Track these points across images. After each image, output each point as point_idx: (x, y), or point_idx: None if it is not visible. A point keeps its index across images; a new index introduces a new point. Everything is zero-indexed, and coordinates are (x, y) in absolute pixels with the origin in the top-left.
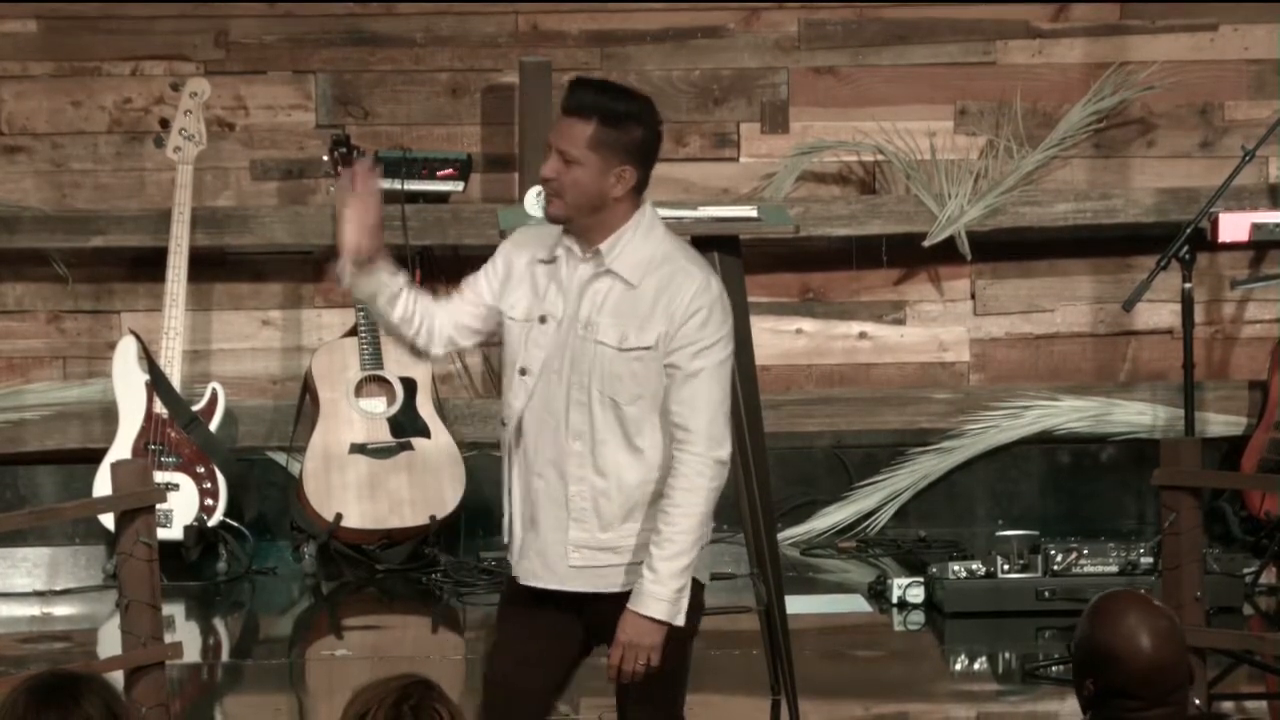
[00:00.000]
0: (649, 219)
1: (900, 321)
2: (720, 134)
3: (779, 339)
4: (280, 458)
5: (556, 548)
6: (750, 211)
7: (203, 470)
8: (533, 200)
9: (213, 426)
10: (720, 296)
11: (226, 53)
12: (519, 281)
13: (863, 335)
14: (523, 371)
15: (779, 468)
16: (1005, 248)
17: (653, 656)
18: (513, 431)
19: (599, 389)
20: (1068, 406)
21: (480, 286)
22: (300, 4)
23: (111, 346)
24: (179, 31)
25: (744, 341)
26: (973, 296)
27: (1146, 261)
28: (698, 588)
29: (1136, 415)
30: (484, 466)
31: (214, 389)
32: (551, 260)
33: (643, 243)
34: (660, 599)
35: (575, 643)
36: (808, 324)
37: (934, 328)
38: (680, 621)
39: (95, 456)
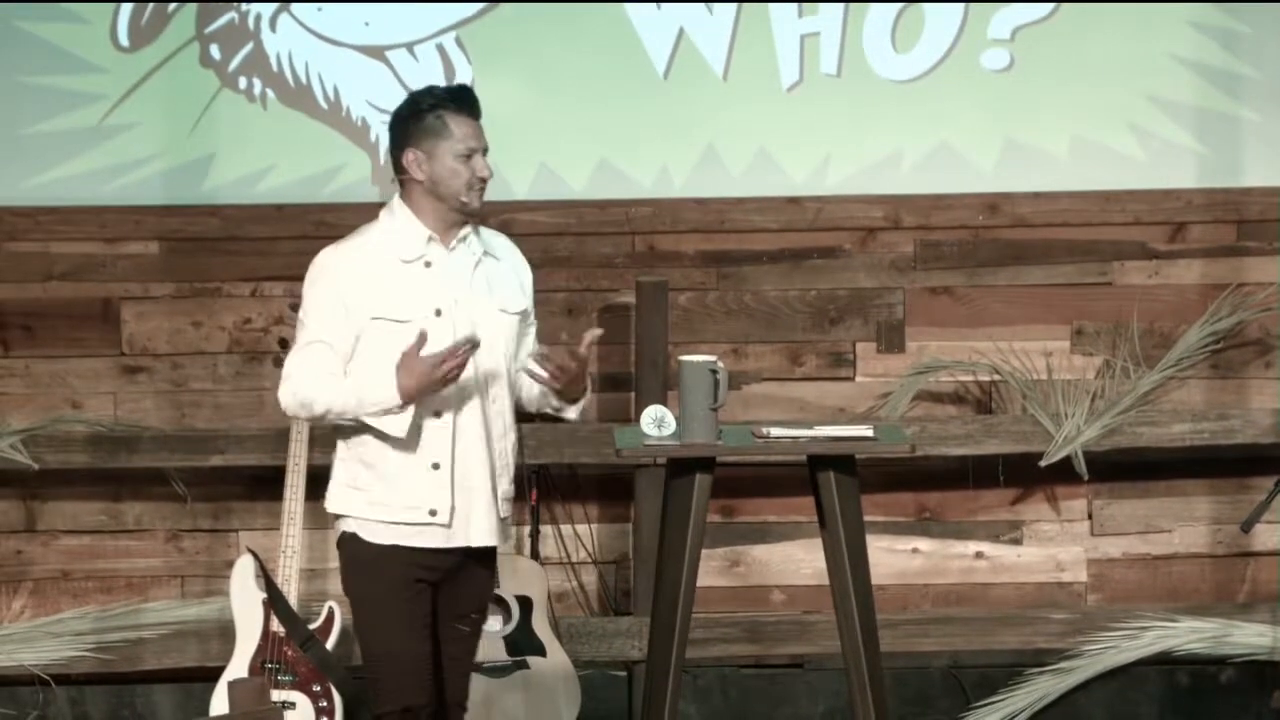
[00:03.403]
0: None
1: (1017, 541)
2: (836, 353)
3: (895, 558)
4: None
5: (490, 504)
6: (866, 431)
7: (319, 688)
8: (649, 420)
9: (329, 644)
10: None
11: None
12: (376, 290)
13: (979, 555)
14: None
15: (895, 687)
16: (1122, 468)
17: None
18: (450, 416)
19: (505, 354)
20: (1186, 627)
21: (340, 334)
22: None
23: (229, 565)
24: (299, 252)
25: (859, 559)
26: (1090, 516)
27: (1265, 482)
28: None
29: (1256, 637)
30: (599, 685)
31: (330, 607)
32: (415, 260)
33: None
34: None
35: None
36: (924, 543)
37: (1051, 548)
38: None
39: (213, 675)
